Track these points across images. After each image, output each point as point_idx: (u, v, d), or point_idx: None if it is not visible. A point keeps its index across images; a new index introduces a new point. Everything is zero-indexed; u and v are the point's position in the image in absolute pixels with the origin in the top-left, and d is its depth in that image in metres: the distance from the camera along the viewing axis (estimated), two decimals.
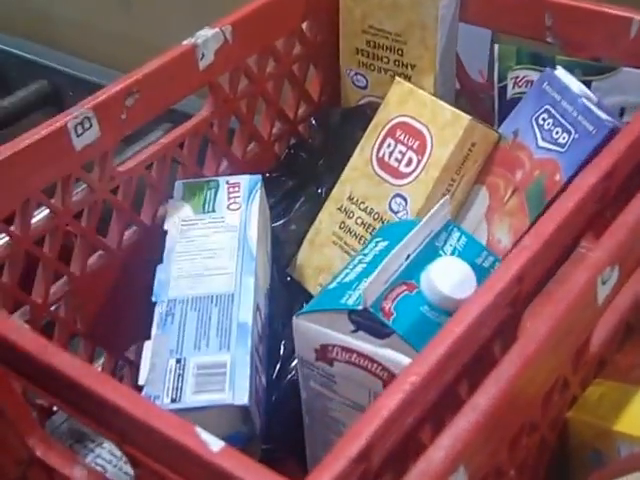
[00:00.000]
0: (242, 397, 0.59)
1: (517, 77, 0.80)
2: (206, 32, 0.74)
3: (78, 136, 0.66)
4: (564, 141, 0.69)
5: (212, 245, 0.69)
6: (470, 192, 0.75)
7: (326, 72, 0.88)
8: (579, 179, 0.58)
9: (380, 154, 0.76)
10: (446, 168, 0.72)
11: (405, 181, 0.74)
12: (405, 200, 0.73)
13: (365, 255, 0.62)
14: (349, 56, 0.86)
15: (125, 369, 0.78)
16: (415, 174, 0.73)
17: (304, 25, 0.84)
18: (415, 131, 0.74)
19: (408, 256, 0.59)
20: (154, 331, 0.63)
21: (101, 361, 0.77)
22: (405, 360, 0.55)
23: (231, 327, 0.63)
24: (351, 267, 0.61)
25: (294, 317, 0.60)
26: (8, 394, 0.54)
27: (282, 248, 0.79)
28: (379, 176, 0.76)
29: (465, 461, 0.44)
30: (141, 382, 0.61)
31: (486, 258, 0.62)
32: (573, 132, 0.69)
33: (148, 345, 0.63)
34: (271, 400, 0.68)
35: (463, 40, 0.84)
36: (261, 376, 0.65)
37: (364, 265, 0.61)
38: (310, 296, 0.76)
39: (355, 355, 0.58)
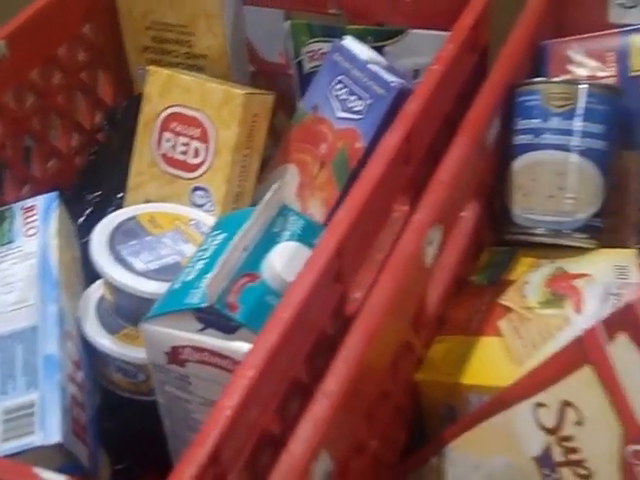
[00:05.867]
0: (54, 435, 0.56)
1: (312, 51, 0.80)
2: None
3: None
4: (360, 108, 0.70)
5: (11, 278, 0.65)
6: (278, 172, 0.75)
7: (117, 75, 0.86)
8: (380, 145, 0.58)
9: (162, 151, 0.74)
10: (237, 148, 0.71)
11: (199, 172, 0.72)
12: (206, 191, 0.72)
13: (204, 250, 0.61)
14: (137, 55, 0.83)
15: None
16: (207, 163, 0.72)
17: (85, 29, 0.81)
18: (190, 119, 0.72)
19: (247, 247, 0.58)
20: None
21: None
22: None
23: (37, 363, 0.60)
24: (192, 264, 0.60)
25: (141, 323, 0.58)
26: None
27: None
28: (170, 174, 0.74)
29: (327, 446, 0.44)
30: None
31: None
32: (366, 98, 0.69)
33: None
34: (113, 418, 0.66)
35: (256, 24, 0.84)
36: (85, 403, 0.62)
37: (205, 261, 0.59)
38: None
39: (206, 353, 0.56)
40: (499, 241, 0.67)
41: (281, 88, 0.84)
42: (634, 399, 0.43)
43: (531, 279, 0.61)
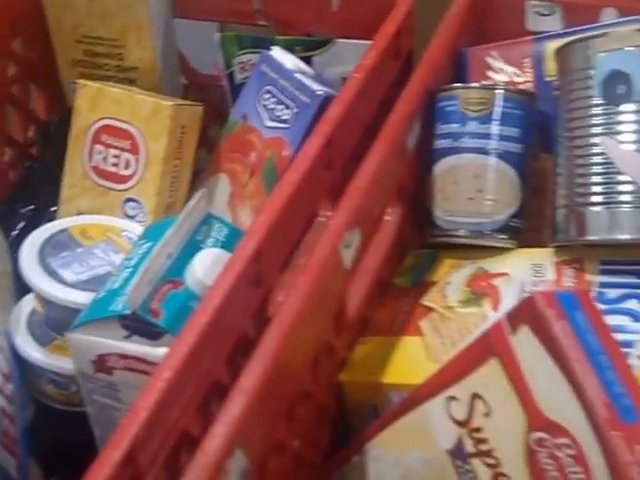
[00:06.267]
0: None
1: (242, 62, 0.81)
2: None
3: None
4: (287, 117, 0.71)
5: None
6: (210, 182, 0.76)
7: (49, 89, 0.86)
8: (301, 151, 0.59)
9: (93, 163, 0.75)
10: (166, 159, 0.72)
11: (130, 183, 0.73)
12: (137, 202, 0.73)
13: (130, 259, 0.62)
14: (68, 69, 0.84)
15: None
16: (138, 174, 0.73)
17: (15, 44, 0.81)
18: (121, 131, 0.73)
19: (171, 254, 0.59)
20: None
21: None
22: None
23: None
24: (118, 273, 0.61)
25: (67, 333, 0.58)
26: None
27: None
28: (102, 186, 0.75)
29: (241, 444, 0.45)
30: None
31: None
32: (293, 107, 0.71)
33: None
34: (46, 430, 0.66)
35: (188, 36, 0.85)
36: (14, 415, 0.62)
37: (130, 269, 0.60)
38: None
39: (132, 360, 0.57)
40: (425, 244, 0.68)
41: (214, 99, 0.86)
42: (536, 388, 0.44)
43: (453, 279, 0.63)
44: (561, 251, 0.61)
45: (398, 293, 0.64)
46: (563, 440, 0.43)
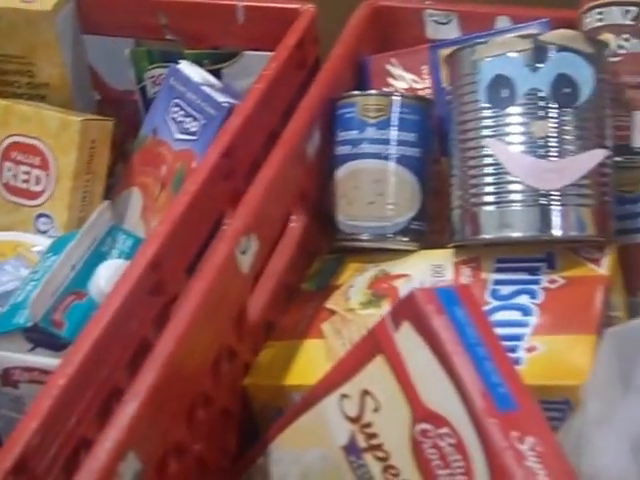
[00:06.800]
0: None
1: (153, 76, 0.83)
2: None
3: None
4: (195, 129, 0.72)
5: None
6: (123, 196, 0.77)
7: None
8: (202, 161, 0.61)
9: (4, 180, 0.75)
10: (77, 174, 0.73)
11: (41, 199, 0.74)
12: (49, 217, 0.73)
13: (35, 272, 0.62)
14: None
15: None
16: (49, 190, 0.74)
17: None
18: (30, 147, 0.74)
19: (74, 266, 0.60)
20: None
21: None
22: None
23: None
24: (23, 287, 0.61)
25: None
26: None
27: None
28: (13, 202, 0.75)
29: (134, 447, 0.45)
30: None
31: None
32: (200, 119, 0.72)
33: None
34: None
35: (101, 52, 0.86)
36: None
37: (34, 282, 0.61)
38: None
39: (36, 372, 0.58)
40: (333, 249, 0.70)
41: (129, 114, 0.86)
42: (419, 382, 0.46)
43: (356, 283, 0.64)
44: (460, 251, 0.63)
45: (304, 298, 0.66)
46: (444, 430, 0.45)
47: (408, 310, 0.47)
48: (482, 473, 0.43)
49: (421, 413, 0.46)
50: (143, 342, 0.54)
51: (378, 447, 0.48)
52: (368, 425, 0.49)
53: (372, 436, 0.48)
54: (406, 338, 0.47)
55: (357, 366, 0.49)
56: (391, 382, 0.47)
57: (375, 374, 0.48)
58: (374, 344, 0.48)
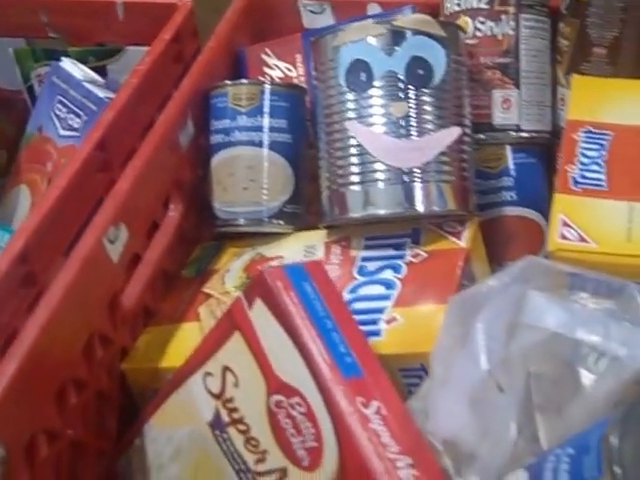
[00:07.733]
0: None
1: (39, 75, 0.83)
2: None
3: None
4: (78, 126, 0.74)
5: None
6: (12, 194, 0.78)
7: None
8: (73, 156, 0.62)
9: None
10: None
11: None
12: None
13: None
14: None
15: None
16: None
17: None
18: None
19: None
20: None
21: None
22: None
23: None
24: None
25: None
26: None
27: None
28: None
29: None
30: None
31: None
32: (82, 115, 0.73)
33: None
34: None
35: None
36: None
37: None
38: None
39: None
40: (215, 236, 0.71)
41: (20, 113, 0.87)
42: (272, 355, 0.48)
43: (233, 267, 0.66)
44: (332, 231, 0.65)
45: (183, 284, 0.67)
46: (295, 399, 0.47)
47: (259, 288, 0.49)
48: (330, 438, 0.46)
49: (275, 385, 0.48)
50: (15, 332, 0.55)
51: (239, 420, 0.50)
52: (230, 400, 0.51)
53: (233, 410, 0.50)
54: (259, 315, 0.49)
55: (217, 344, 0.51)
56: (248, 357, 0.49)
57: (233, 351, 0.50)
58: (231, 322, 0.50)
